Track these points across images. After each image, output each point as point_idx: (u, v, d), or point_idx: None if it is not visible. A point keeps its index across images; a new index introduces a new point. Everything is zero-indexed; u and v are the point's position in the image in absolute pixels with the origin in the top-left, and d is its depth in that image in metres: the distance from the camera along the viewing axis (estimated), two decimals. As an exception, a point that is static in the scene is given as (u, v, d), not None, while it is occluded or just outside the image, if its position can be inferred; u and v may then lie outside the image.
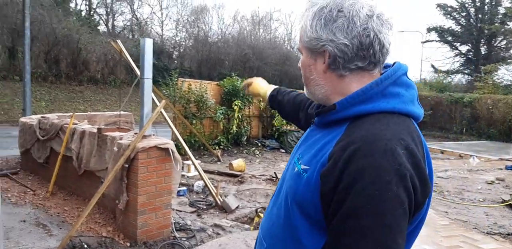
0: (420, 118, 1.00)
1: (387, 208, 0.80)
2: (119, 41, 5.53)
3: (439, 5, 30.54)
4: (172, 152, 4.12)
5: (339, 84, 1.00)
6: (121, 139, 4.19)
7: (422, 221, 0.97)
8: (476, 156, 10.97)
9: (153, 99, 5.33)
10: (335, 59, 0.97)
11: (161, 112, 5.52)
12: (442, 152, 12.48)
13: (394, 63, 1.03)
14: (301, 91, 1.38)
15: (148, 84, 4.29)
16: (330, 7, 0.96)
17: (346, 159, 0.84)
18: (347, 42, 0.94)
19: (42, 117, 6.14)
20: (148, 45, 4.20)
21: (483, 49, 30.20)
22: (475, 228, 5.09)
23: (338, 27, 0.94)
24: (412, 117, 0.97)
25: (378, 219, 0.80)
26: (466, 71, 31.18)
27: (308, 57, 1.04)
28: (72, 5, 26.00)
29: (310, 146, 1.03)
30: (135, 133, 4.33)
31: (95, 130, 4.74)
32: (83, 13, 26.19)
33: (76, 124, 5.36)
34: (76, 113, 6.10)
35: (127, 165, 3.91)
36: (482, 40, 29.72)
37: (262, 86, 1.83)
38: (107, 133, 4.56)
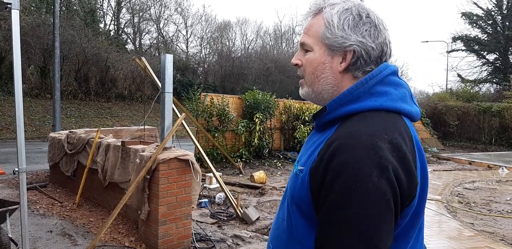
0: (413, 114, 1.01)
1: (369, 200, 0.82)
2: (143, 58, 5.74)
3: (464, 14, 30.00)
4: (191, 163, 4.22)
5: (350, 85, 1.01)
6: (143, 151, 4.33)
7: (418, 216, 0.96)
8: (505, 167, 10.61)
9: (176, 113, 5.47)
10: (358, 60, 1.00)
11: (183, 125, 5.66)
12: (470, 163, 12.13)
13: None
14: None
15: (168, 97, 4.40)
16: (357, 10, 1.00)
17: (330, 155, 0.88)
18: (374, 46, 1.00)
19: (70, 132, 6.40)
20: (168, 61, 4.34)
21: (511, 57, 29.39)
22: (502, 240, 4.93)
23: (368, 30, 0.99)
24: (402, 114, 0.99)
25: (360, 210, 0.82)
26: (494, 80, 30.33)
27: (325, 54, 1.02)
28: (102, 25, 27.13)
29: (307, 148, 1.08)
30: (156, 146, 4.46)
31: (119, 143, 4.91)
32: (112, 33, 27.24)
33: (102, 138, 5.56)
34: (103, 128, 6.32)
35: (148, 176, 4.04)
36: (510, 48, 28.93)
37: None
38: (130, 146, 4.72)
